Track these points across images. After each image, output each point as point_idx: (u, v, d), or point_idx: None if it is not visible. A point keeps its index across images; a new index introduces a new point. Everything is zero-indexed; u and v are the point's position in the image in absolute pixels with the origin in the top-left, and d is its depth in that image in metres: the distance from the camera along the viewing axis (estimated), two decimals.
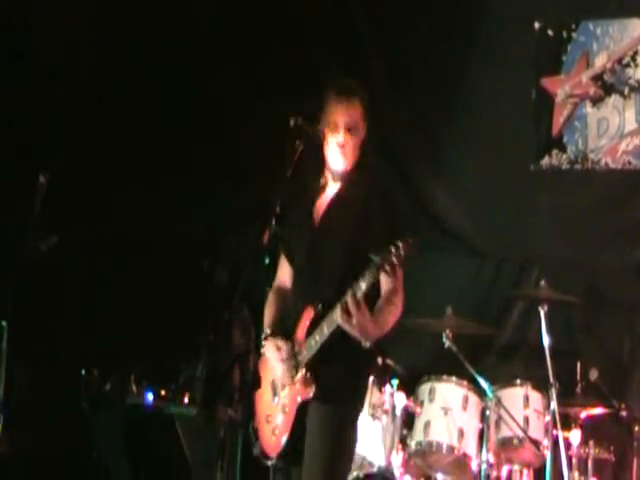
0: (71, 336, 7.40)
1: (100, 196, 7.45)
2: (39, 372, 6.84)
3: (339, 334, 4.40)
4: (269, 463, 4.64)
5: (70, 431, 6.31)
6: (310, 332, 4.53)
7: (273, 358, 4.61)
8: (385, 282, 4.52)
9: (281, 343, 4.58)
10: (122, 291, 7.43)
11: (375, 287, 4.46)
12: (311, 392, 4.49)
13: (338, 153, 4.67)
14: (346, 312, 4.30)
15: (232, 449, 5.85)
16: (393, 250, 4.15)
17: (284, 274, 4.89)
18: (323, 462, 4.44)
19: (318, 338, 4.47)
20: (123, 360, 6.90)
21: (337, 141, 4.64)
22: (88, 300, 7.61)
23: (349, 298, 4.28)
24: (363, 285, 4.28)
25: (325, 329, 4.43)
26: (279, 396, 4.62)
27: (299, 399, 4.52)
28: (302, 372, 4.52)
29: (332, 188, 4.75)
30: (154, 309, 7.31)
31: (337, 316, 4.34)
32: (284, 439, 4.54)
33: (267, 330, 4.73)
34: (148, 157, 7.47)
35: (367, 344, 4.42)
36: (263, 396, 4.69)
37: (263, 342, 4.69)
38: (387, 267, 4.17)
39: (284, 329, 4.71)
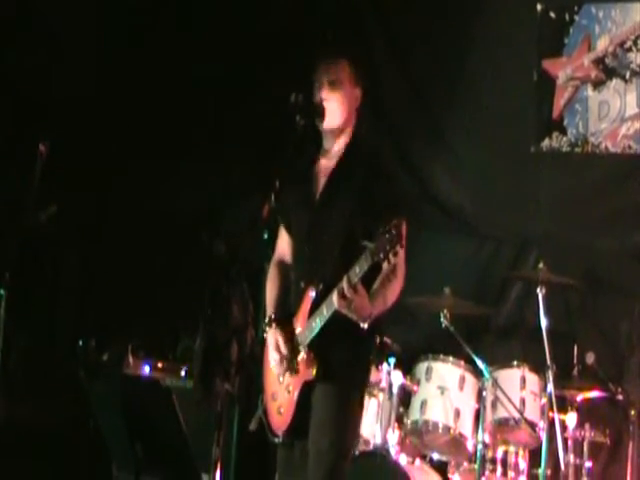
0: (69, 306, 7.39)
1: (99, 168, 7.44)
2: (37, 341, 6.84)
3: (339, 315, 4.38)
4: (276, 440, 4.63)
5: (67, 400, 6.31)
6: (311, 313, 4.52)
7: (271, 355, 4.60)
8: None
9: (281, 341, 4.55)
10: (120, 262, 7.43)
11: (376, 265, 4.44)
12: (313, 372, 4.48)
13: (328, 115, 4.58)
14: (343, 297, 4.28)
15: (228, 423, 5.85)
16: (386, 236, 4.13)
17: (283, 246, 4.85)
18: (331, 436, 4.44)
19: (319, 320, 4.45)
20: (121, 331, 6.90)
21: (320, 96, 4.58)
22: (86, 270, 7.60)
23: (345, 284, 4.26)
24: (358, 271, 4.25)
25: (325, 311, 4.42)
26: (284, 375, 4.61)
27: (302, 379, 4.51)
28: (304, 353, 4.50)
29: (330, 165, 4.70)
30: (152, 280, 7.31)
31: (334, 300, 4.32)
32: (290, 418, 4.54)
33: (270, 312, 4.71)
34: (149, 130, 7.45)
35: (365, 325, 4.40)
36: (270, 372, 4.69)
37: (266, 326, 4.67)
38: (381, 254, 4.14)
39: (286, 308, 4.70)
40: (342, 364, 4.51)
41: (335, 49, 4.79)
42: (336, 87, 4.59)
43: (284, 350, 4.53)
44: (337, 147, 4.69)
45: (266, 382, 4.71)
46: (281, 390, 4.60)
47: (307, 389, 4.51)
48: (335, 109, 4.60)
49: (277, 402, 4.61)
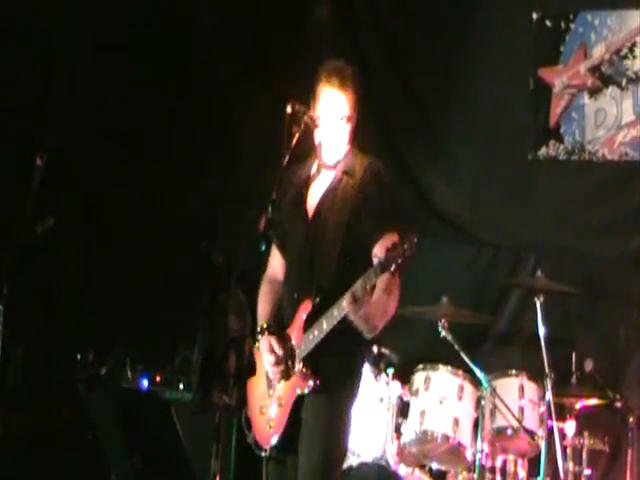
0: (67, 319, 7.39)
1: (96, 177, 7.45)
2: (35, 354, 6.84)
3: (337, 328, 4.37)
4: (263, 454, 4.62)
5: (66, 413, 6.31)
6: (307, 326, 4.50)
7: (266, 359, 4.58)
8: None
9: (275, 343, 4.54)
10: (118, 274, 7.43)
11: None
12: (308, 386, 4.47)
13: (332, 142, 4.62)
14: (355, 302, 4.24)
15: (227, 435, 5.85)
16: (397, 249, 4.11)
17: (275, 262, 4.86)
18: (322, 447, 4.44)
19: (317, 333, 4.44)
20: (118, 344, 6.90)
21: (331, 131, 4.59)
22: (84, 283, 7.60)
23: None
24: (365, 284, 4.24)
25: (325, 324, 4.41)
26: (274, 388, 4.59)
27: (297, 392, 4.50)
28: (299, 366, 4.50)
29: (326, 176, 4.70)
30: (150, 292, 7.31)
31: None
32: (280, 431, 4.53)
33: (262, 324, 4.70)
34: (146, 139, 7.46)
35: (370, 335, 4.40)
36: (257, 386, 4.67)
37: (258, 336, 4.66)
38: (391, 267, 4.13)
39: (279, 321, 4.69)
40: (334, 377, 4.52)
41: (342, 73, 4.72)
42: (346, 120, 4.60)
43: (279, 351, 4.52)
44: (333, 160, 4.69)
45: (253, 396, 4.70)
46: (270, 404, 4.59)
47: (298, 402, 4.51)
48: (344, 141, 4.63)
49: (265, 416, 4.60)
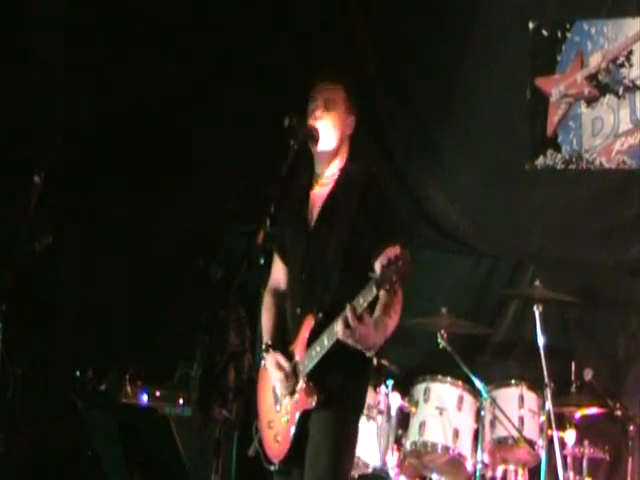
0: (66, 336, 7.40)
1: (96, 194, 7.45)
2: (35, 371, 6.84)
3: (339, 343, 4.34)
4: (272, 468, 4.61)
5: (66, 430, 6.32)
6: (310, 341, 4.48)
7: (273, 376, 4.57)
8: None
9: (282, 360, 4.53)
10: (117, 290, 7.43)
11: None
12: (313, 402, 4.45)
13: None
14: (347, 327, 4.22)
15: (227, 450, 5.86)
16: (392, 267, 4.08)
17: (278, 273, 4.84)
18: (327, 464, 4.40)
19: (319, 349, 4.42)
20: (118, 360, 6.90)
21: (314, 115, 4.58)
22: (83, 299, 7.61)
23: (349, 314, 4.21)
24: (362, 301, 4.21)
25: (326, 341, 4.38)
26: (281, 403, 4.59)
27: (301, 408, 4.49)
28: (303, 382, 4.49)
29: (325, 189, 4.68)
30: (149, 308, 7.32)
31: (338, 330, 4.27)
32: (286, 446, 4.51)
33: (267, 340, 4.69)
34: (144, 155, 7.46)
35: (371, 354, 4.39)
36: (265, 400, 4.66)
37: (264, 353, 4.64)
38: (387, 285, 4.11)
39: (283, 336, 4.67)
40: (340, 391, 4.49)
41: (331, 70, 4.76)
42: (331, 108, 4.59)
43: (287, 367, 4.51)
44: (331, 172, 4.67)
45: (261, 410, 4.68)
46: (278, 418, 4.57)
47: (304, 417, 4.49)
48: (329, 130, 4.59)
49: (274, 430, 4.59)
